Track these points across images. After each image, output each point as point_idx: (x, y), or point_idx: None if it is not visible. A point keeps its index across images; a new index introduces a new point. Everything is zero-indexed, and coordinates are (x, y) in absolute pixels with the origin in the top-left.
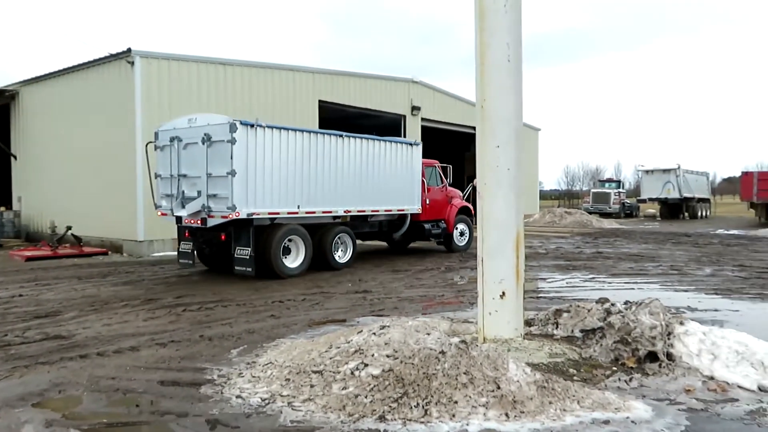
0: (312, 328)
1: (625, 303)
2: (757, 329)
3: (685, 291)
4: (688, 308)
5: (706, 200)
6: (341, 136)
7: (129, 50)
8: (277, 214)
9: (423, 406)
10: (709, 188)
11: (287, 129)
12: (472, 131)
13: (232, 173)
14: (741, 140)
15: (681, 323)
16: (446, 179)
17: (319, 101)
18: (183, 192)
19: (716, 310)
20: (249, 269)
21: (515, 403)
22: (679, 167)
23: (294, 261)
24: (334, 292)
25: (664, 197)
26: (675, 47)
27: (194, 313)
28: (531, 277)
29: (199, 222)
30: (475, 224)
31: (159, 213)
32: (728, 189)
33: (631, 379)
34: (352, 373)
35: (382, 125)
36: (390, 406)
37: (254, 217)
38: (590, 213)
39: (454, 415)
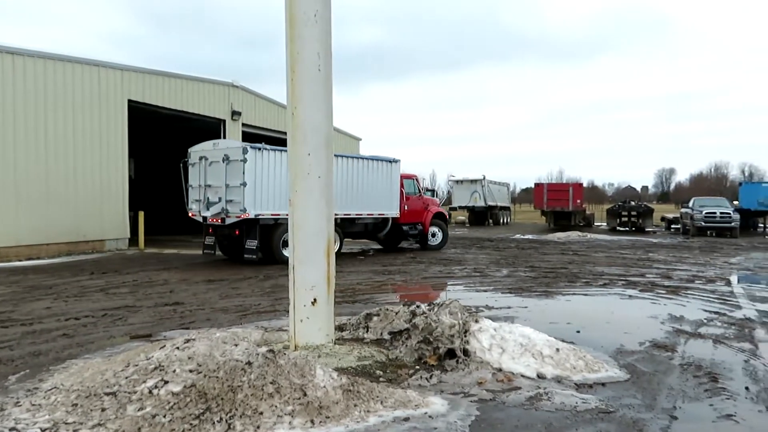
0: (111, 346)
1: (429, 304)
2: (539, 323)
3: (485, 291)
4: (486, 307)
5: (507, 208)
6: None
7: None
8: (278, 215)
9: (226, 421)
10: (509, 197)
11: (285, 150)
12: None
13: (244, 184)
14: (536, 155)
15: (476, 321)
16: (422, 189)
17: (129, 101)
18: (208, 198)
19: (509, 308)
20: (255, 257)
21: (321, 409)
22: (484, 178)
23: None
24: (141, 305)
25: (472, 205)
26: (486, 70)
27: None
28: (349, 283)
29: (219, 221)
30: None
31: (190, 214)
32: (525, 198)
33: (431, 376)
34: (150, 391)
35: (201, 129)
36: (191, 424)
37: (260, 217)
38: None
39: (258, 427)
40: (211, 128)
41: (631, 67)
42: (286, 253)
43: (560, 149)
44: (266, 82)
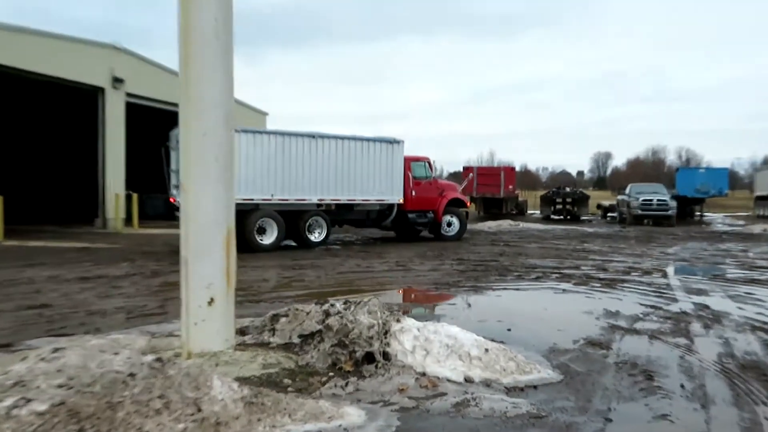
0: None
1: (345, 303)
2: (467, 321)
3: (408, 287)
4: (410, 303)
5: None
6: (314, 136)
7: None
8: (251, 200)
9: None
10: None
11: (261, 132)
12: None
13: None
14: (464, 136)
15: (398, 320)
16: (433, 173)
17: None
18: None
19: (435, 305)
20: None
21: (218, 425)
22: None
23: (268, 239)
24: None
25: None
26: (408, 43)
27: None
28: (255, 279)
29: None
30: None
31: (171, 199)
32: None
33: (347, 384)
34: (8, 412)
35: (74, 98)
36: None
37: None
38: None
39: None
40: (87, 97)
41: (562, 45)
42: (261, 240)
43: (491, 130)
44: (158, 46)
